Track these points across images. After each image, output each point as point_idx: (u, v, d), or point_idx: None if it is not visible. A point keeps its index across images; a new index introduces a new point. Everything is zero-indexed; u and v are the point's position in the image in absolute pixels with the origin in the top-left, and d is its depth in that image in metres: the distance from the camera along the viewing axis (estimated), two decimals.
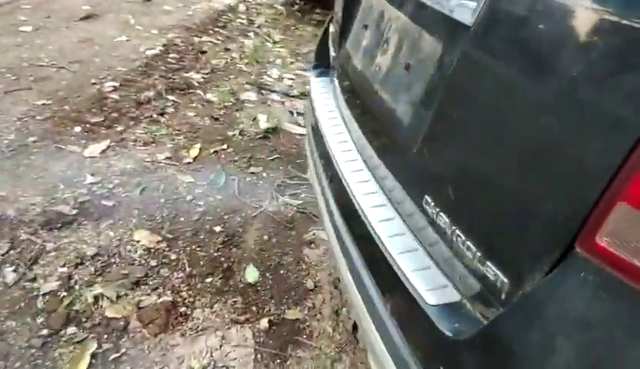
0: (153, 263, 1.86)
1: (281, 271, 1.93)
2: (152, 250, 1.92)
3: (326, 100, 1.49)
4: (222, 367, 1.53)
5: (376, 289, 0.96)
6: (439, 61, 0.85)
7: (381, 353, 0.94)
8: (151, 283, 1.78)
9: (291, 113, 3.24)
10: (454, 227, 0.77)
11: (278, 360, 1.58)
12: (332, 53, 1.51)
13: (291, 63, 4.17)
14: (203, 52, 3.97)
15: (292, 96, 3.52)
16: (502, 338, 0.65)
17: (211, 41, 4.26)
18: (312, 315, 1.75)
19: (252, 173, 2.52)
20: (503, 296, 0.68)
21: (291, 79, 3.82)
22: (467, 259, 0.75)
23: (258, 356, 1.58)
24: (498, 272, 0.68)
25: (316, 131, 1.45)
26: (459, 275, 0.80)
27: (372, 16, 1.18)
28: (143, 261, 1.86)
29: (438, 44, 0.87)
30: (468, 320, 0.75)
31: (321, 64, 1.71)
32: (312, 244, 2.10)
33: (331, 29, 1.58)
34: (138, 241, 1.94)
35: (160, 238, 1.98)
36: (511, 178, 0.66)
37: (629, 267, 0.52)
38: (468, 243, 0.74)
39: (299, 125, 3.10)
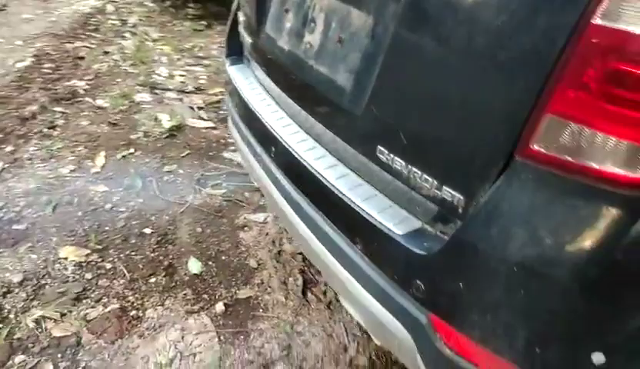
0: (88, 276, 1.80)
1: (223, 257, 1.98)
2: (84, 264, 1.85)
3: (251, 84, 1.57)
4: (189, 355, 1.56)
5: (343, 238, 1.09)
6: (373, 31, 0.99)
7: (356, 291, 1.07)
8: (92, 295, 1.73)
9: (192, 108, 3.22)
10: (410, 167, 0.93)
11: (242, 337, 1.65)
12: (248, 40, 1.58)
13: (178, 60, 4.09)
14: (81, 58, 3.73)
15: (188, 92, 3.48)
16: (467, 241, 0.82)
17: (86, 46, 4.00)
18: (263, 290, 1.84)
19: (168, 172, 2.50)
20: (460, 210, 0.85)
21: (182, 75, 3.76)
22: (425, 190, 0.91)
23: (221, 337, 1.64)
24: (455, 192, 0.85)
25: (246, 114, 1.52)
26: (417, 206, 0.96)
27: (292, 0, 1.29)
28: (77, 276, 1.79)
29: (369, 17, 1.01)
30: (432, 238, 0.92)
31: (234, 52, 1.77)
32: (245, 227, 2.17)
33: (241, 18, 1.65)
34: (65, 258, 1.86)
35: (89, 251, 1.91)
36: (455, 113, 0.83)
37: (559, 161, 0.71)
38: (425, 176, 0.90)
39: (203, 120, 3.10)
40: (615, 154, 0.69)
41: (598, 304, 0.74)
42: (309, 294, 1.85)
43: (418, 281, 0.91)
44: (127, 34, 4.49)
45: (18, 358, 1.48)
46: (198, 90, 3.56)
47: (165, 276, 1.85)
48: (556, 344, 0.78)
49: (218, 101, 3.40)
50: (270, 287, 1.86)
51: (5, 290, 1.68)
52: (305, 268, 1.96)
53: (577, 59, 0.68)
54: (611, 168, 0.69)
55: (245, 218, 2.22)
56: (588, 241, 0.71)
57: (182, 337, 1.62)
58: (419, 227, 0.95)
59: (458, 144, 0.84)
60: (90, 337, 1.57)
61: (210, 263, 1.94)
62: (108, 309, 1.67)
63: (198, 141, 2.83)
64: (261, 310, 1.76)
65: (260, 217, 2.23)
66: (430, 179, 0.89)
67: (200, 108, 3.25)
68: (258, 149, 1.44)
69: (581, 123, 0.70)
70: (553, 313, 0.76)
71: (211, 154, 2.72)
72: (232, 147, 2.82)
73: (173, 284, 1.82)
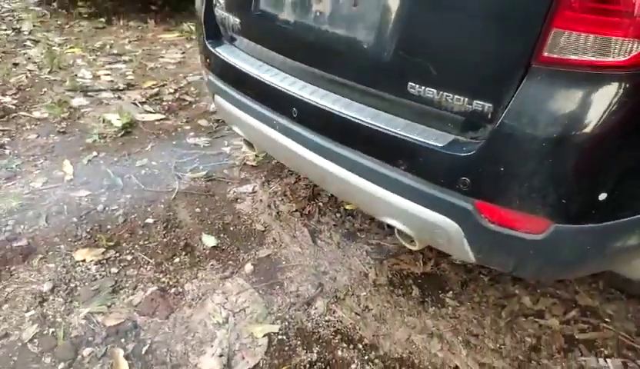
0: (114, 270, 1.88)
1: (231, 228, 2.14)
2: (104, 262, 1.91)
3: (248, 59, 1.72)
4: (240, 311, 1.74)
5: (385, 166, 1.34)
6: None
7: (405, 205, 1.33)
8: (127, 285, 1.81)
9: (135, 104, 3.21)
10: (442, 92, 1.19)
11: (277, 286, 1.85)
12: (235, 20, 1.72)
13: (94, 60, 3.98)
14: None
15: (121, 90, 3.45)
16: (505, 134, 1.10)
17: None
18: (278, 246, 2.04)
19: (141, 166, 2.55)
20: (490, 116, 1.14)
21: (108, 74, 3.70)
22: (456, 107, 1.19)
23: (260, 291, 1.82)
24: (485, 103, 1.13)
25: (250, 87, 1.68)
26: (448, 123, 1.23)
27: None
28: (104, 273, 1.86)
29: None
30: (467, 144, 1.20)
31: (212, 35, 1.90)
32: (238, 200, 2.33)
33: (221, 1, 1.78)
34: (83, 260, 1.91)
35: (103, 249, 1.97)
36: (482, 40, 1.10)
37: (562, 61, 1.02)
38: (457, 96, 1.17)
39: (151, 113, 3.13)
40: (588, 46, 1.01)
41: (604, 157, 1.07)
42: (319, 242, 2.08)
43: (464, 177, 1.19)
44: (28, 43, 4.25)
45: (85, 351, 1.55)
46: (131, 86, 3.54)
47: (186, 254, 1.98)
48: (577, 194, 1.11)
49: (157, 94, 3.43)
50: (283, 242, 2.06)
51: (40, 300, 1.71)
52: (306, 222, 2.19)
53: None
54: (593, 57, 1.01)
55: (234, 192, 2.37)
56: (588, 111, 1.03)
57: (227, 299, 1.78)
58: (453, 139, 1.23)
59: (486, 65, 1.11)
60: (144, 319, 1.68)
61: (222, 235, 2.09)
62: (149, 292, 1.78)
63: (157, 132, 2.88)
64: (284, 262, 1.96)
65: (248, 188, 2.40)
66: (462, 97, 1.16)
67: (142, 103, 3.26)
68: (273, 115, 1.62)
69: (572, 30, 1.01)
70: (573, 170, 1.08)
71: (174, 143, 2.79)
72: (192, 133, 2.91)
73: (197, 259, 1.96)
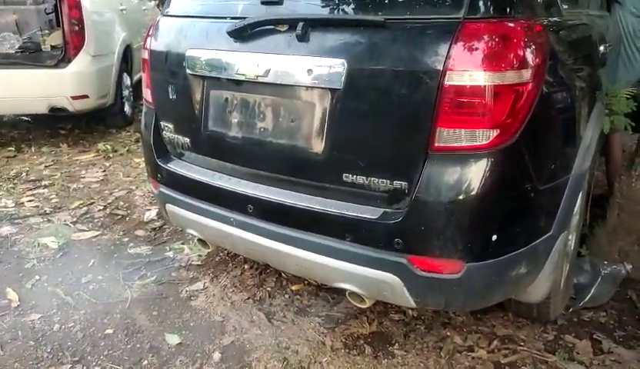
0: None
1: (191, 324, 2.29)
2: None
3: (201, 171, 2.02)
4: None
5: (337, 241, 1.67)
6: (320, 108, 1.63)
7: (354, 270, 1.67)
8: None
9: (68, 225, 3.28)
10: (370, 178, 1.59)
11: (247, 368, 2.03)
12: (185, 139, 2.04)
13: (12, 187, 3.98)
14: None
15: (49, 213, 3.49)
16: (420, 202, 1.51)
17: None
18: (239, 332, 2.23)
19: (88, 282, 2.62)
20: (407, 191, 1.55)
21: (31, 200, 3.72)
22: (382, 187, 1.58)
23: None
24: (402, 182, 1.54)
25: (207, 193, 1.97)
26: (377, 200, 1.62)
27: (234, 103, 1.84)
28: None
29: (311, 102, 1.65)
30: (394, 213, 1.59)
31: (161, 154, 2.19)
32: (192, 297, 2.49)
33: (170, 125, 2.09)
34: None
35: (69, 365, 2.02)
36: (396, 136, 1.52)
37: (448, 148, 1.47)
38: (381, 179, 1.57)
39: (86, 231, 3.21)
40: (462, 137, 1.48)
41: (487, 209, 1.51)
42: (275, 322, 2.30)
43: (397, 239, 1.56)
44: None
45: None
46: (58, 208, 3.60)
47: (153, 356, 2.09)
48: (477, 238, 1.53)
49: (87, 212, 3.52)
50: (243, 328, 2.26)
51: None
52: (260, 306, 2.41)
53: (441, 100, 1.45)
54: (467, 143, 1.48)
55: (187, 291, 2.54)
56: (469, 179, 1.48)
57: None
58: (383, 212, 1.61)
59: (399, 155, 1.54)
60: None
61: (184, 332, 2.23)
62: None
63: (96, 248, 2.98)
64: (248, 345, 2.15)
65: (199, 285, 2.58)
66: (385, 180, 1.57)
67: (74, 223, 3.34)
68: (229, 213, 1.91)
69: (449, 127, 1.48)
70: (469, 221, 1.50)
71: (116, 255, 2.91)
72: (132, 244, 3.05)
73: (164, 358, 2.08)
